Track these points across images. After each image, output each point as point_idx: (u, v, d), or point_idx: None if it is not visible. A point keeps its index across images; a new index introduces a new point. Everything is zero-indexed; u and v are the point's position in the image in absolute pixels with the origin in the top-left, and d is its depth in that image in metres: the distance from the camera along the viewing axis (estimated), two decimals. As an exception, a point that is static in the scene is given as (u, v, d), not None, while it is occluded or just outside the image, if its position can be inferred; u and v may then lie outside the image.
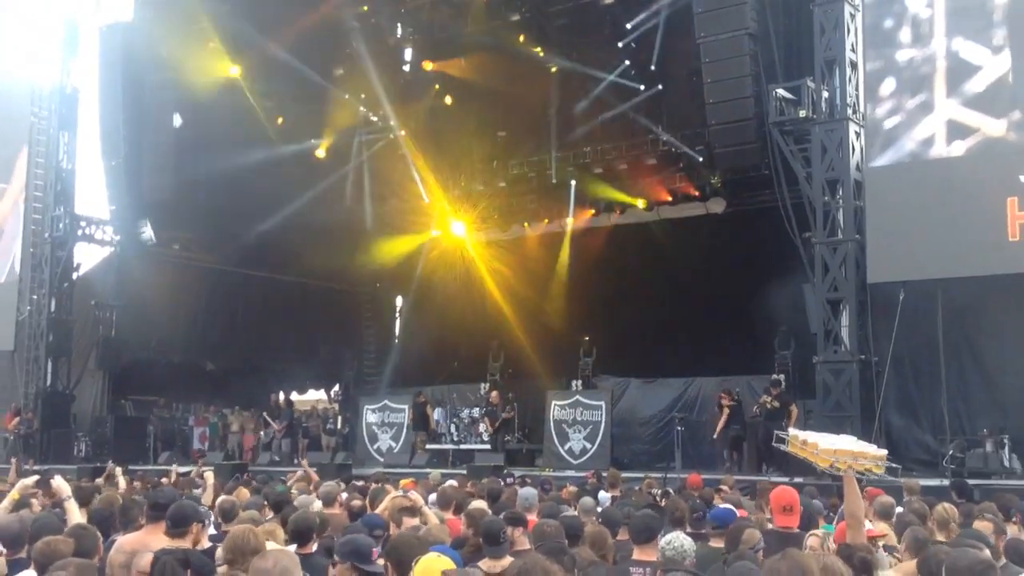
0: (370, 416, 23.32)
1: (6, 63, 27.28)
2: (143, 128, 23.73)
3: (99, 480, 13.69)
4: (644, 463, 19.48)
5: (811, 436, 6.03)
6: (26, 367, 24.56)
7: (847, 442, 5.96)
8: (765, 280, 20.44)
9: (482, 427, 22.06)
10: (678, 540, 5.42)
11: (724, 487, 12.31)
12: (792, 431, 6.32)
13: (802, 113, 17.18)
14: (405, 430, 22.77)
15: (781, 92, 17.33)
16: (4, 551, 5.71)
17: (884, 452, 6.17)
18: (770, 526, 7.04)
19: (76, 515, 6.66)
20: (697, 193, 24.15)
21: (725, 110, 18.18)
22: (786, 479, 14.43)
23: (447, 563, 4.31)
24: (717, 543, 6.79)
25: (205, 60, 23.91)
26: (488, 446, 21.26)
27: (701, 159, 22.74)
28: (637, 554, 6.02)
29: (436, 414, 23.29)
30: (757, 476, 15.90)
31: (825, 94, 17.00)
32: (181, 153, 23.46)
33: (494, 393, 22.43)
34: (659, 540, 5.64)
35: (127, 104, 23.80)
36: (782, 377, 18.92)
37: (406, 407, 23.05)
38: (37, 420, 23.64)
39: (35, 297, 24.78)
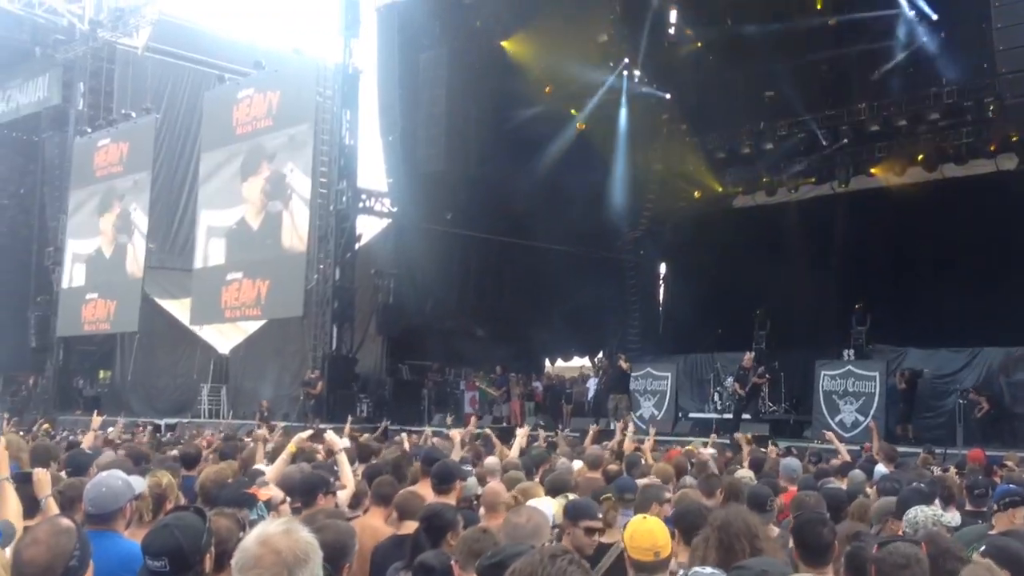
0: (632, 383, 23.33)
1: (296, 45, 29.27)
2: (417, 103, 24.87)
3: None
4: (923, 438, 18.34)
5: None
6: (314, 332, 26.43)
7: None
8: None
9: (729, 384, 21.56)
10: (916, 513, 5.25)
11: (1009, 463, 11.39)
12: None
13: (1108, 57, 15.46)
14: (668, 398, 22.62)
15: (1083, 34, 15.65)
16: (288, 500, 6.11)
17: None
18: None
19: (347, 468, 7.04)
20: (988, 149, 22.37)
21: (1018, 57, 16.67)
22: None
23: (656, 522, 4.40)
24: (1002, 524, 6.28)
25: (477, 33, 24.77)
26: (748, 415, 20.72)
27: (990, 113, 21.05)
28: (892, 526, 5.72)
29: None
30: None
31: None
32: (452, 125, 24.34)
33: (747, 356, 21.63)
34: None
35: (403, 80, 25.12)
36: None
37: (669, 375, 22.83)
38: (324, 382, 25.39)
39: (321, 267, 26.45)
